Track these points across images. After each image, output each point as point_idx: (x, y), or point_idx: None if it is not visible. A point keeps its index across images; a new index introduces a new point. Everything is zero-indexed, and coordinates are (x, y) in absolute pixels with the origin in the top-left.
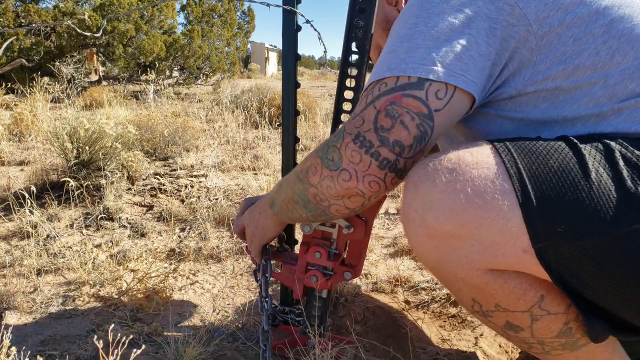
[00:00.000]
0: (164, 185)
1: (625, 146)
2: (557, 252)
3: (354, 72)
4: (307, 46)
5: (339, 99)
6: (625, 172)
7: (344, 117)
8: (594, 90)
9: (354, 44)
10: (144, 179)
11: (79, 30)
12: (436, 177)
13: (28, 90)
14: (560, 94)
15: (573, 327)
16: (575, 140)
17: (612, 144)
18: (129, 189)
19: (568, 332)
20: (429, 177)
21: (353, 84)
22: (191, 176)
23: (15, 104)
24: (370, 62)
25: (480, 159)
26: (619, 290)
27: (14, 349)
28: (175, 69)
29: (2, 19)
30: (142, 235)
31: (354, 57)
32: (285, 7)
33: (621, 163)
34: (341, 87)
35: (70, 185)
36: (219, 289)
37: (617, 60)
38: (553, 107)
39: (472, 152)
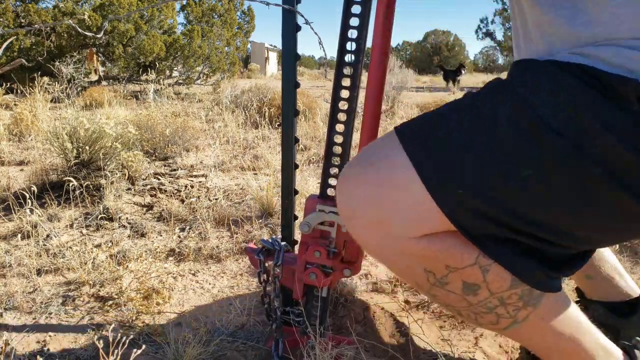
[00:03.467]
0: (164, 185)
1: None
2: (464, 211)
3: (350, 71)
4: (307, 46)
5: (336, 99)
6: (504, 112)
7: (341, 117)
8: None
9: (349, 44)
10: (144, 179)
11: (79, 30)
12: (349, 172)
13: (28, 90)
14: None
15: None
16: (456, 102)
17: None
18: (129, 189)
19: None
20: (344, 174)
21: (349, 83)
22: (191, 176)
23: (15, 104)
24: (367, 60)
25: (380, 143)
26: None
27: (14, 349)
28: (176, 69)
29: (2, 19)
30: (142, 235)
31: (350, 57)
32: (284, 6)
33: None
34: (337, 87)
35: (70, 185)
36: (219, 289)
37: None
38: None
39: (376, 141)
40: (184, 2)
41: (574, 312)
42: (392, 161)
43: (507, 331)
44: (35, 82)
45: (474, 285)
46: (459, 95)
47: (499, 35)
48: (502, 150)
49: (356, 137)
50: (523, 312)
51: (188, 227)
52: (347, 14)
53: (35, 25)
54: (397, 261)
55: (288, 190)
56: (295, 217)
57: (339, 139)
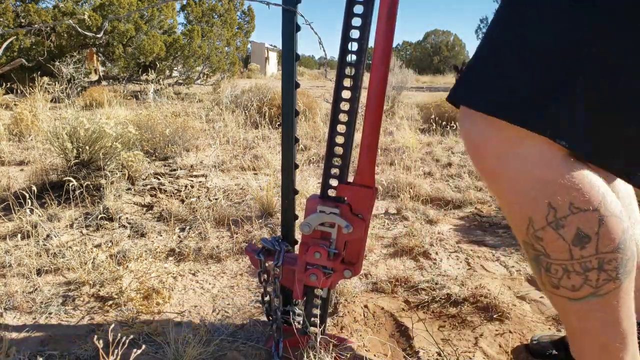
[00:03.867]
0: (164, 185)
1: None
2: (562, 124)
3: (352, 72)
4: (307, 46)
5: (337, 99)
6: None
7: (343, 117)
8: None
9: (351, 44)
10: (144, 179)
11: (79, 30)
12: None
13: (28, 90)
14: None
15: (627, 240)
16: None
17: None
18: (129, 189)
19: (624, 243)
20: (471, 112)
21: (351, 83)
22: (191, 176)
23: (15, 104)
24: (368, 61)
25: (462, 113)
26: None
27: (14, 349)
28: (176, 69)
29: (2, 19)
30: (142, 235)
31: (352, 57)
32: (285, 6)
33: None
34: (339, 87)
35: (70, 185)
36: (219, 289)
37: None
38: None
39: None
40: (184, 2)
41: (633, 308)
42: (481, 123)
43: (577, 303)
44: (35, 82)
45: (586, 236)
46: None
47: None
48: (556, 41)
49: (357, 137)
50: (610, 285)
51: (188, 227)
52: (349, 14)
53: (35, 25)
54: (526, 190)
55: (288, 190)
56: (296, 217)
57: (340, 139)
